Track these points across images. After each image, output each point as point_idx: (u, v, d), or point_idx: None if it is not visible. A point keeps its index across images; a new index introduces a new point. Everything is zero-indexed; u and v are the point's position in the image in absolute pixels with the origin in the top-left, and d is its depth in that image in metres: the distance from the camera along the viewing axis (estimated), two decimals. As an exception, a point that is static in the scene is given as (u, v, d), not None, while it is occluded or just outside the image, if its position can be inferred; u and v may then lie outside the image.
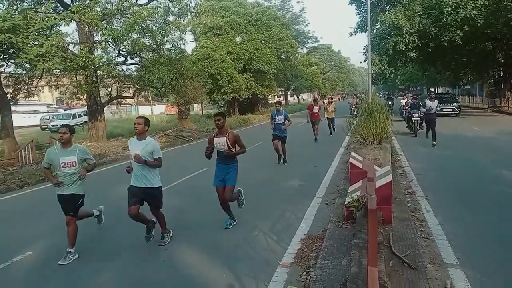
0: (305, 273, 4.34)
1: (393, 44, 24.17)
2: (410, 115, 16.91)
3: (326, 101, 21.87)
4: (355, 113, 22.36)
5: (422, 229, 5.50)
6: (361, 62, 77.66)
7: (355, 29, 31.04)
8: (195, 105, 39.98)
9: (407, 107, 20.42)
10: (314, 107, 16.61)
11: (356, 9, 32.66)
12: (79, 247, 5.34)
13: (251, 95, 34.92)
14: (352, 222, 5.35)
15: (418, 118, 16.06)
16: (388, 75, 27.69)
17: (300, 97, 71.35)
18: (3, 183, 10.28)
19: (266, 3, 46.18)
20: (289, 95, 63.16)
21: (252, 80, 34.40)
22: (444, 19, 21.88)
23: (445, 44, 23.62)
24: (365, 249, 3.85)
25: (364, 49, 25.17)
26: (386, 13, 25.66)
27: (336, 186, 8.24)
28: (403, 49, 24.26)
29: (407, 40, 23.84)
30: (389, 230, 5.19)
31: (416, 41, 24.06)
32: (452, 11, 21.52)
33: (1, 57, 12.49)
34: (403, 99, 25.79)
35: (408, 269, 4.11)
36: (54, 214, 7.65)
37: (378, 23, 27.06)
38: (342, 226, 5.49)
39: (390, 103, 29.60)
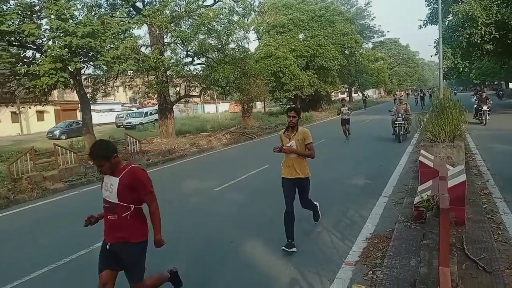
0: (371, 272, 4.27)
1: (467, 36, 22.59)
2: None
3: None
4: (402, 132, 14.46)
5: (500, 232, 5.14)
6: (431, 56, 73.64)
7: (425, 22, 29.44)
8: (257, 102, 40.44)
9: None
10: None
11: (425, 1, 30.96)
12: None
13: (313, 92, 34.57)
14: (422, 222, 5.15)
15: None
16: (461, 69, 25.95)
17: (365, 94, 69.47)
18: (84, 176, 11.20)
19: (330, -1, 45.40)
20: (353, 92, 61.52)
21: (315, 77, 34.02)
22: (527, 7, 20.10)
23: (527, 35, 21.69)
24: (436, 250, 3.72)
25: (435, 42, 23.88)
26: (459, 3, 24.02)
27: (404, 185, 7.94)
28: (479, 41, 22.59)
29: (482, 32, 22.16)
30: (462, 231, 4.93)
31: (494, 33, 22.27)
32: (536, -2, 19.74)
33: (82, 59, 13.54)
34: None
35: (483, 273, 3.88)
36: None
37: (450, 15, 25.43)
38: (411, 226, 5.32)
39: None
